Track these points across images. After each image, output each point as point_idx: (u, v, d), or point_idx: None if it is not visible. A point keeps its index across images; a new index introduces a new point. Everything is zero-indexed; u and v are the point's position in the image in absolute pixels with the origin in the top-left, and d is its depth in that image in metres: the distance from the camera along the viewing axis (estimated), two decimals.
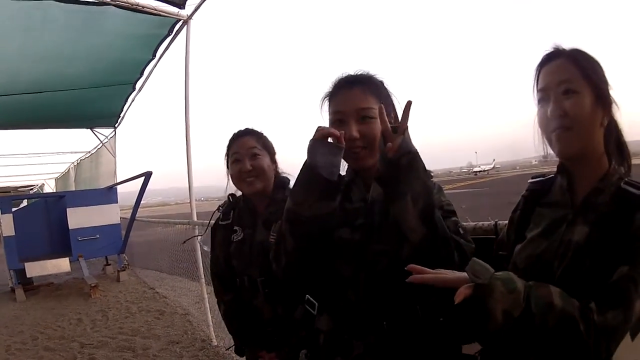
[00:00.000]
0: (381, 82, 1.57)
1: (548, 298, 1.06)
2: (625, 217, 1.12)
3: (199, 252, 5.40)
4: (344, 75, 1.56)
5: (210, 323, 5.33)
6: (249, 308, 2.07)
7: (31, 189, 20.97)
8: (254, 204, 2.11)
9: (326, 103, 1.58)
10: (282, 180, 2.13)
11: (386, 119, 1.32)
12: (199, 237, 3.72)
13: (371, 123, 1.47)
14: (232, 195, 2.20)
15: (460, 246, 1.36)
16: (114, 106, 8.96)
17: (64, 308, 7.29)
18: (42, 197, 13.21)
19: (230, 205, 2.18)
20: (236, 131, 2.12)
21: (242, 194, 2.15)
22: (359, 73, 1.55)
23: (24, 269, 8.48)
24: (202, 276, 5.39)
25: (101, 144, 12.22)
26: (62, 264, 8.83)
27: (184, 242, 4.31)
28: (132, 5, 4.26)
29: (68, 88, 6.65)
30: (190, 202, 5.37)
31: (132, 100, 8.62)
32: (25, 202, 13.57)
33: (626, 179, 1.20)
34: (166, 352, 4.95)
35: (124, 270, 9.83)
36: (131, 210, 9.61)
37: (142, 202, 9.65)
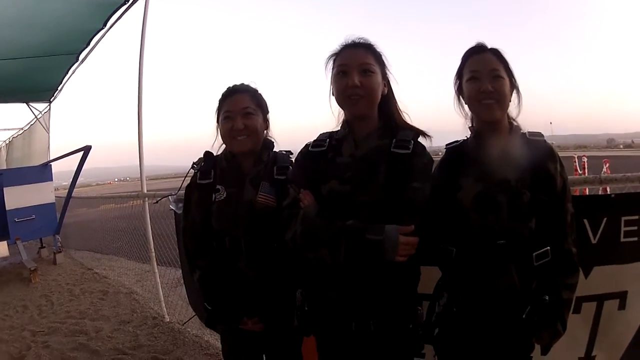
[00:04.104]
0: (380, 50, 1.80)
1: None
2: (540, 164, 1.69)
3: (149, 226, 5.34)
4: (351, 38, 1.79)
5: (162, 299, 5.29)
6: (229, 271, 2.01)
7: None
8: (240, 162, 2.05)
9: (331, 63, 1.81)
10: (268, 141, 2.12)
11: None
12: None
13: (371, 76, 1.73)
14: (209, 152, 2.13)
15: None
16: (52, 78, 8.53)
17: (6, 295, 6.89)
18: None
19: (209, 163, 2.11)
20: (230, 86, 2.07)
21: (225, 152, 2.10)
22: (363, 39, 1.79)
23: None
24: (153, 250, 5.32)
25: (35, 119, 11.62)
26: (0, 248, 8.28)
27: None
28: None
29: (9, 57, 6.26)
30: (140, 175, 5.27)
31: (72, 73, 8.22)
32: None
33: (528, 131, 1.78)
34: (120, 332, 4.84)
35: (60, 252, 9.43)
36: (63, 190, 9.07)
37: (62, 183, 9.22)
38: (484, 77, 1.69)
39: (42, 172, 9.51)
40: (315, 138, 1.91)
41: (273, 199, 1.95)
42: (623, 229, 2.13)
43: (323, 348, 1.89)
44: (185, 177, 2.28)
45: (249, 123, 1.99)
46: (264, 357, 2.16)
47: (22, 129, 14.06)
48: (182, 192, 2.32)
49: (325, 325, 1.80)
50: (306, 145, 1.90)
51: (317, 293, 1.80)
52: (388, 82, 1.82)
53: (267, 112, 2.12)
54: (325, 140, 1.86)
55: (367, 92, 1.72)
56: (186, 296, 4.33)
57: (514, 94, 1.78)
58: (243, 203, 1.98)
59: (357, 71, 1.71)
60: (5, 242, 8.38)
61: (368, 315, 1.70)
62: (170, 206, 3.54)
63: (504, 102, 1.72)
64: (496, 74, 1.69)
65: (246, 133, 1.98)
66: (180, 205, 2.28)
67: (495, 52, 1.73)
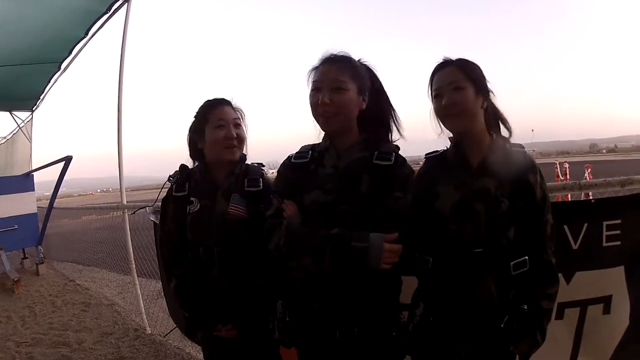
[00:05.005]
0: (358, 66, 1.82)
1: None
2: (520, 175, 1.68)
3: (129, 237, 5.31)
4: (328, 53, 1.80)
5: (143, 311, 5.27)
6: (203, 281, 2.06)
7: None
8: (213, 174, 2.12)
9: (311, 77, 1.83)
10: (242, 155, 2.17)
11: None
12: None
13: (341, 94, 1.73)
14: (185, 165, 2.18)
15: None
16: (35, 87, 8.48)
17: None
18: None
19: (184, 176, 2.16)
20: (217, 98, 2.12)
21: (199, 165, 2.16)
22: (341, 54, 1.80)
23: None
24: (133, 261, 5.31)
25: (18, 128, 11.50)
26: None
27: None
28: None
29: None
30: (120, 186, 5.25)
31: (55, 81, 8.18)
32: None
33: (510, 142, 1.76)
34: (102, 344, 4.81)
35: (42, 263, 9.34)
36: (45, 200, 8.95)
37: (45, 193, 9.10)
38: (445, 92, 1.70)
39: (24, 182, 9.40)
40: (297, 150, 1.94)
41: (244, 210, 2.02)
42: (605, 233, 2.14)
43: (306, 358, 1.88)
44: (162, 189, 2.33)
45: (239, 133, 2.07)
46: None
47: (4, 137, 13.92)
48: (159, 204, 2.36)
49: (308, 335, 1.80)
50: (288, 157, 1.93)
51: (299, 303, 1.80)
52: (366, 96, 1.83)
53: (246, 128, 2.19)
54: (308, 152, 1.88)
55: (339, 109, 1.73)
56: (167, 308, 4.31)
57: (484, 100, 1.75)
58: (215, 214, 2.04)
59: (328, 88, 1.73)
60: None
61: (352, 323, 1.71)
62: (150, 217, 3.54)
63: (465, 113, 1.69)
64: (455, 86, 1.68)
65: (237, 143, 2.06)
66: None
67: (457, 64, 1.73)
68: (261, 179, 2.08)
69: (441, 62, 1.75)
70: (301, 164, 1.86)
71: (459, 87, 1.67)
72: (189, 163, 2.20)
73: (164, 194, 2.25)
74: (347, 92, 1.74)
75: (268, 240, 1.75)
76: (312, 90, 1.78)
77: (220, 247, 2.01)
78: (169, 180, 2.19)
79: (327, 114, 1.73)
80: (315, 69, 1.81)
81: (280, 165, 1.93)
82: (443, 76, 1.71)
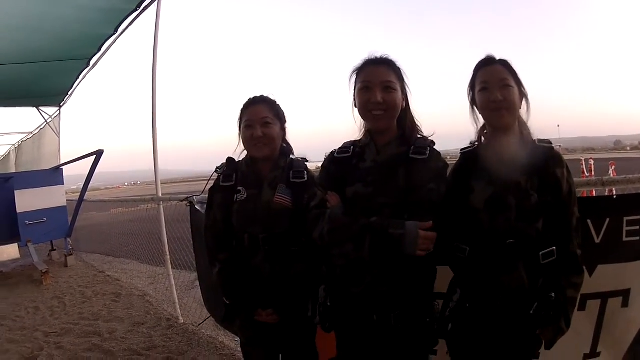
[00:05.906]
0: (400, 67, 1.95)
1: None
2: (548, 169, 1.80)
3: (164, 229, 5.37)
4: (373, 55, 1.94)
5: (176, 301, 5.32)
6: (246, 267, 2.16)
7: None
8: (259, 167, 2.23)
9: (354, 77, 1.97)
10: (286, 149, 2.29)
11: None
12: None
13: (392, 93, 1.88)
14: (231, 159, 2.30)
15: None
16: (63, 83, 8.63)
17: (17, 297, 6.90)
18: None
19: (232, 168, 2.28)
20: (251, 97, 2.24)
21: (246, 158, 2.28)
22: (385, 56, 1.93)
23: None
24: (167, 252, 5.36)
25: (45, 123, 11.73)
26: (11, 250, 8.29)
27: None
28: None
29: (20, 62, 6.36)
30: (155, 179, 5.29)
31: (83, 78, 8.32)
32: None
33: (538, 138, 1.87)
34: (133, 333, 4.91)
35: (71, 255, 9.49)
36: (71, 194, 9.00)
37: (72, 187, 9.14)
38: (494, 87, 1.80)
39: (54, 175, 9.57)
40: (340, 146, 2.08)
41: (289, 200, 2.13)
42: (625, 228, 2.21)
43: (343, 343, 2.01)
44: (209, 180, 2.47)
45: (267, 132, 2.15)
46: (280, 352, 2.29)
47: (31, 132, 14.14)
48: (204, 195, 2.53)
49: (347, 320, 1.92)
50: (332, 152, 2.09)
51: (339, 288, 1.93)
52: (406, 96, 1.97)
53: (285, 121, 2.28)
54: (350, 148, 2.03)
55: (389, 107, 1.88)
56: (200, 298, 4.40)
57: (523, 102, 1.88)
58: (262, 203, 2.15)
59: (380, 88, 1.87)
60: (16, 244, 8.40)
61: (389, 308, 1.84)
62: (196, 207, 3.71)
63: (513, 109, 1.82)
64: (504, 84, 1.80)
65: (264, 141, 2.15)
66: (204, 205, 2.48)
67: (504, 63, 1.84)
68: (305, 172, 2.18)
69: (487, 59, 1.87)
70: (344, 159, 2.02)
71: (508, 85, 1.81)
72: (232, 156, 2.30)
73: (209, 185, 2.39)
74: (396, 92, 1.89)
75: (312, 229, 1.89)
76: (361, 89, 1.91)
77: (265, 234, 2.11)
78: (216, 171, 2.33)
79: (379, 112, 1.88)
80: (360, 69, 1.95)
81: (325, 159, 2.08)
82: (492, 73, 1.84)
